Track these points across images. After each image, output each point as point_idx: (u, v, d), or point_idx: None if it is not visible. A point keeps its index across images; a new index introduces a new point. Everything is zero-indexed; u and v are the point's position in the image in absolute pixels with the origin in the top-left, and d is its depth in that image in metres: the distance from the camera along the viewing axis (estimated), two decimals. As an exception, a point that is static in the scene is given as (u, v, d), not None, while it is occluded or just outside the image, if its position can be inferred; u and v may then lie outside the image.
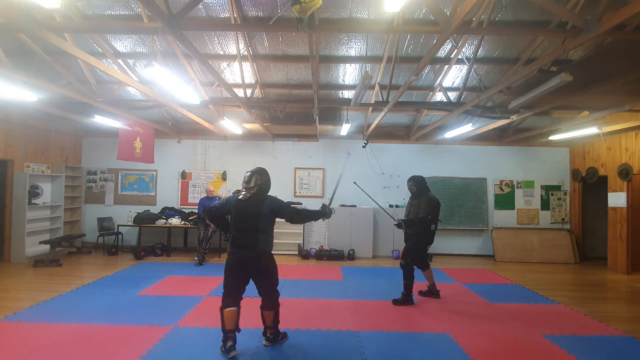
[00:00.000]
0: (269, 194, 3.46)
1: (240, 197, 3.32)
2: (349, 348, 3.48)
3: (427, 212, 4.68)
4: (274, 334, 3.50)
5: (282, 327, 3.89)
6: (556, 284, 6.08)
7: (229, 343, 3.21)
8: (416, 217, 4.71)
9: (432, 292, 5.16)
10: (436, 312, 4.53)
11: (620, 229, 6.93)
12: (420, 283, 5.54)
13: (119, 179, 8.67)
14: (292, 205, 3.41)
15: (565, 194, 8.52)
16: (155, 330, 3.75)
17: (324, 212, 3.55)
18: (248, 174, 3.38)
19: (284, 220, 3.48)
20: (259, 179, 3.37)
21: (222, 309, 3.24)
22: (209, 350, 3.35)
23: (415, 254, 4.87)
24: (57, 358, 3.17)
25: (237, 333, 3.28)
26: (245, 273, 3.27)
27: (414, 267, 4.94)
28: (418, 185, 4.94)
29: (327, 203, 3.68)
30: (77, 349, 3.32)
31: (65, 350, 3.31)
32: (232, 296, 3.26)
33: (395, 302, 4.79)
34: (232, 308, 3.24)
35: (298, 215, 3.46)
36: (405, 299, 4.78)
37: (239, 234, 3.24)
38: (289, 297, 4.97)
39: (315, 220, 3.61)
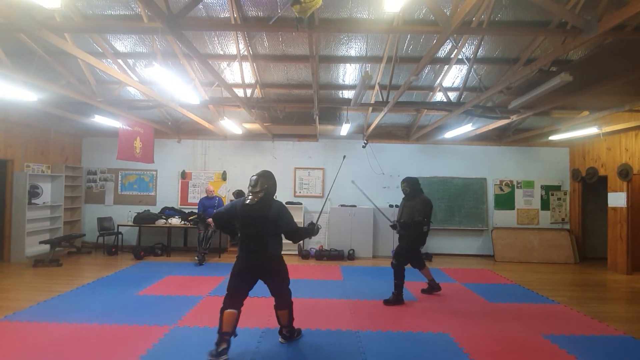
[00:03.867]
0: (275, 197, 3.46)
1: (247, 201, 3.31)
2: (349, 348, 3.48)
3: (423, 215, 4.73)
4: (289, 332, 3.56)
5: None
6: (556, 284, 6.08)
7: (223, 346, 3.13)
8: (413, 221, 4.74)
9: (433, 288, 5.21)
10: (436, 312, 4.53)
11: (620, 229, 6.93)
12: (420, 283, 5.55)
13: (119, 179, 8.67)
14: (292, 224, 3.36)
15: (565, 194, 8.53)
16: (155, 330, 3.75)
17: (312, 230, 3.50)
18: (254, 177, 3.35)
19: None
20: (265, 182, 3.34)
21: (222, 310, 3.22)
22: (209, 350, 3.35)
23: (408, 254, 4.91)
24: (57, 358, 3.17)
25: (232, 337, 3.22)
26: (254, 277, 3.28)
27: (413, 267, 4.99)
28: (412, 186, 5.02)
29: (314, 220, 3.62)
30: (77, 349, 3.32)
31: (65, 350, 3.31)
32: (234, 298, 3.24)
33: (387, 302, 4.78)
34: (232, 310, 3.21)
35: (294, 234, 3.36)
36: (396, 299, 4.78)
37: (248, 238, 3.24)
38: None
39: (306, 238, 3.53)
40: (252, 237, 3.23)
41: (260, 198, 3.27)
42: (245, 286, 3.29)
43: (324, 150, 8.68)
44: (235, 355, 3.27)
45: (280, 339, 3.58)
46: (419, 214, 4.73)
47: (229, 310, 3.20)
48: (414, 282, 5.85)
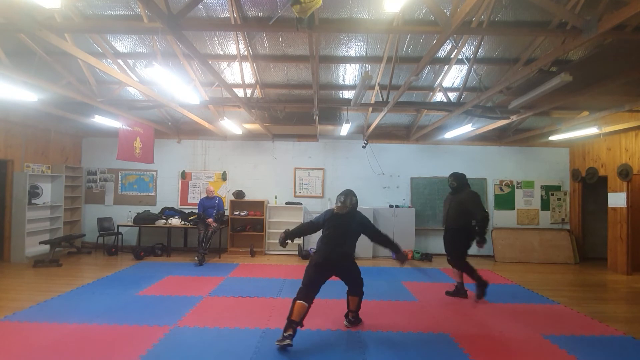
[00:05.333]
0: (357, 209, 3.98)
1: (335, 210, 3.87)
2: (349, 348, 3.48)
3: (478, 209, 4.76)
4: (355, 317, 3.99)
5: (282, 326, 3.89)
6: (556, 284, 6.08)
7: (289, 331, 3.36)
8: (478, 224, 4.75)
9: (459, 292, 5.16)
10: (436, 312, 4.53)
11: (620, 229, 6.93)
12: (421, 283, 5.53)
13: (119, 179, 8.67)
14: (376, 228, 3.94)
15: (565, 194, 8.53)
16: (155, 330, 3.75)
17: (400, 253, 3.90)
18: (342, 196, 3.92)
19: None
20: (352, 198, 3.92)
21: (295, 300, 3.48)
22: (209, 350, 3.36)
23: (464, 249, 4.98)
24: (57, 358, 3.17)
25: (298, 328, 3.44)
26: (330, 270, 3.67)
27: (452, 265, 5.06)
28: (458, 180, 5.08)
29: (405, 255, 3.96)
30: (77, 349, 3.32)
31: (65, 350, 3.31)
32: (308, 291, 3.52)
33: (478, 297, 4.90)
34: (304, 303, 3.46)
35: (385, 239, 3.87)
36: (482, 290, 4.90)
37: (331, 234, 3.72)
38: (289, 298, 4.96)
39: (392, 249, 3.91)
40: (335, 234, 3.71)
41: (348, 210, 3.83)
42: (319, 280, 3.62)
43: (324, 151, 8.68)
44: (235, 355, 3.28)
45: (345, 322, 3.99)
46: (478, 212, 4.75)
47: (300, 301, 3.46)
48: (413, 282, 5.86)
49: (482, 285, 4.89)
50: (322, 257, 3.64)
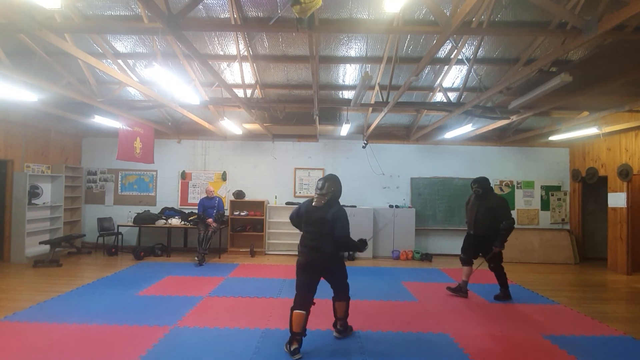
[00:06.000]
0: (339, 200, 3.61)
1: (313, 203, 3.49)
2: (349, 348, 3.48)
3: (507, 216, 4.83)
4: (343, 326, 3.71)
5: (283, 326, 3.90)
6: (556, 284, 6.08)
7: (294, 346, 3.26)
8: (503, 229, 4.82)
9: (461, 290, 5.20)
10: (436, 312, 4.53)
11: (620, 229, 6.93)
12: (421, 283, 5.54)
13: (119, 179, 8.67)
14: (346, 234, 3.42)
15: (565, 194, 8.53)
16: (155, 330, 3.75)
17: (361, 246, 3.50)
18: (321, 181, 3.50)
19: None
20: (332, 185, 3.48)
21: (292, 309, 3.33)
22: (209, 350, 3.36)
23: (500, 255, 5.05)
24: (57, 358, 3.17)
25: (303, 337, 3.33)
26: (316, 273, 3.44)
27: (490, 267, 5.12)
28: (483, 186, 5.09)
29: (367, 238, 3.63)
30: (77, 349, 3.32)
31: (65, 350, 3.31)
32: (303, 297, 3.35)
33: (497, 298, 5.10)
34: (301, 311, 3.30)
35: (344, 242, 3.42)
36: (505, 293, 5.11)
37: (308, 237, 3.45)
38: (289, 298, 4.96)
39: (353, 251, 3.67)
40: (311, 235, 3.42)
41: (326, 201, 3.43)
42: (311, 281, 3.40)
43: (324, 151, 8.68)
44: (235, 355, 3.28)
45: (334, 334, 3.71)
46: (504, 218, 4.82)
47: (297, 311, 3.31)
48: (414, 282, 5.86)
49: (506, 290, 5.10)
50: (304, 260, 3.41)
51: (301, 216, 3.55)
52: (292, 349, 3.25)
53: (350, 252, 7.76)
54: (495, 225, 4.88)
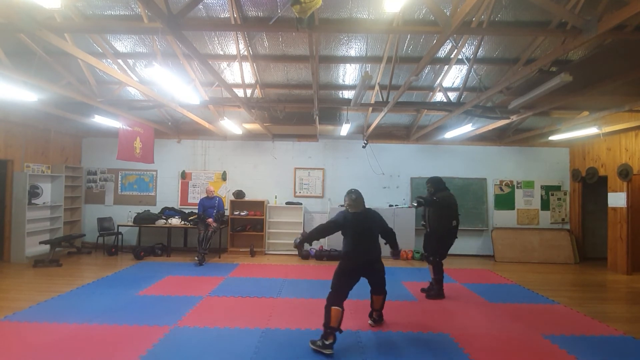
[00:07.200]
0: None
1: (352, 211, 3.81)
2: (349, 348, 3.48)
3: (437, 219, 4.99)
4: (379, 316, 4.08)
5: (283, 326, 3.90)
6: (556, 284, 6.08)
7: (330, 340, 3.38)
8: (429, 235, 5.06)
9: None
10: (436, 312, 4.53)
11: (620, 229, 6.93)
12: (420, 283, 5.55)
13: (119, 179, 8.67)
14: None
15: (565, 194, 8.52)
16: (155, 330, 3.75)
17: (398, 251, 4.17)
18: (354, 195, 3.86)
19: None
20: (362, 197, 3.92)
21: (329, 307, 3.47)
22: (209, 350, 3.36)
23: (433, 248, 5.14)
24: (57, 358, 3.17)
25: (337, 333, 3.46)
26: (359, 275, 3.71)
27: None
28: (435, 185, 5.21)
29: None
30: (77, 349, 3.32)
31: (65, 350, 3.31)
32: (340, 297, 3.53)
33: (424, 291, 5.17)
34: (338, 308, 3.47)
35: (390, 233, 4.02)
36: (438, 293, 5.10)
37: (361, 242, 3.69)
38: (289, 297, 4.98)
39: (393, 246, 4.10)
40: (364, 240, 3.70)
41: (363, 207, 3.84)
42: (351, 284, 3.63)
43: (324, 151, 8.68)
44: (235, 355, 3.28)
45: (369, 322, 4.08)
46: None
47: (335, 307, 3.46)
48: (413, 282, 5.86)
49: (438, 286, 5.08)
50: (359, 263, 3.65)
51: (348, 226, 3.72)
52: (328, 343, 3.36)
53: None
54: (444, 223, 4.97)
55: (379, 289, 3.96)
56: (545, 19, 4.45)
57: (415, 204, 5.15)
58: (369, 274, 3.82)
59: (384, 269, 3.93)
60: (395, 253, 4.12)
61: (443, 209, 4.98)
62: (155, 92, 5.52)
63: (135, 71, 6.00)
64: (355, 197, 3.86)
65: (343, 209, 3.99)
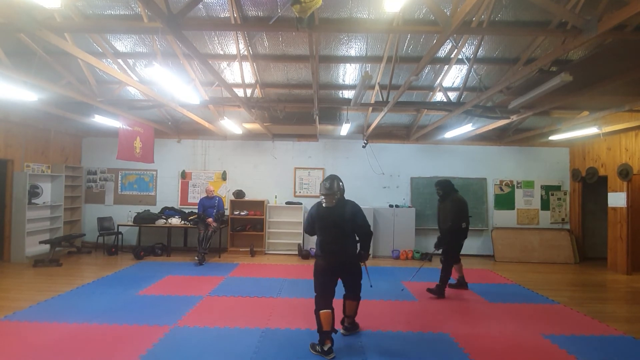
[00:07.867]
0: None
1: (324, 205, 3.47)
2: (348, 348, 3.48)
3: (452, 218, 5.07)
4: (351, 324, 3.80)
5: (283, 326, 3.90)
6: (556, 284, 6.08)
7: (328, 345, 3.29)
8: (441, 234, 5.23)
9: (461, 284, 5.50)
10: (436, 312, 4.53)
11: (620, 229, 6.93)
12: (421, 282, 5.55)
13: (119, 178, 8.67)
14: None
15: (565, 194, 8.52)
16: (155, 330, 3.75)
17: (366, 254, 3.67)
18: (327, 181, 3.48)
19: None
20: (338, 182, 3.51)
21: (317, 312, 3.37)
22: (209, 350, 3.36)
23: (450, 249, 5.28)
24: (57, 358, 3.17)
25: (333, 334, 3.37)
26: (336, 276, 3.51)
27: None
28: (444, 188, 5.33)
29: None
30: (77, 349, 3.32)
31: (65, 350, 3.31)
32: (325, 298, 3.41)
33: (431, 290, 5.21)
34: (327, 310, 3.36)
35: (368, 235, 3.56)
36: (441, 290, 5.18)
37: (327, 239, 3.44)
38: (289, 297, 4.98)
39: (364, 247, 3.64)
40: (330, 238, 3.43)
41: (337, 199, 3.46)
42: (331, 284, 3.47)
43: (324, 150, 8.68)
44: (235, 355, 3.28)
45: (341, 330, 3.76)
46: (450, 218, 5.09)
47: (323, 310, 3.36)
48: (414, 282, 5.86)
49: (442, 287, 5.17)
50: (326, 264, 3.43)
51: (313, 223, 3.54)
52: (326, 348, 3.27)
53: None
54: (454, 224, 5.10)
55: (351, 294, 3.65)
56: (545, 19, 4.45)
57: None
58: (342, 276, 3.55)
59: (360, 273, 3.61)
60: (362, 255, 3.58)
61: (454, 210, 5.13)
62: (155, 92, 5.52)
63: (135, 71, 6.00)
64: (329, 185, 3.43)
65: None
